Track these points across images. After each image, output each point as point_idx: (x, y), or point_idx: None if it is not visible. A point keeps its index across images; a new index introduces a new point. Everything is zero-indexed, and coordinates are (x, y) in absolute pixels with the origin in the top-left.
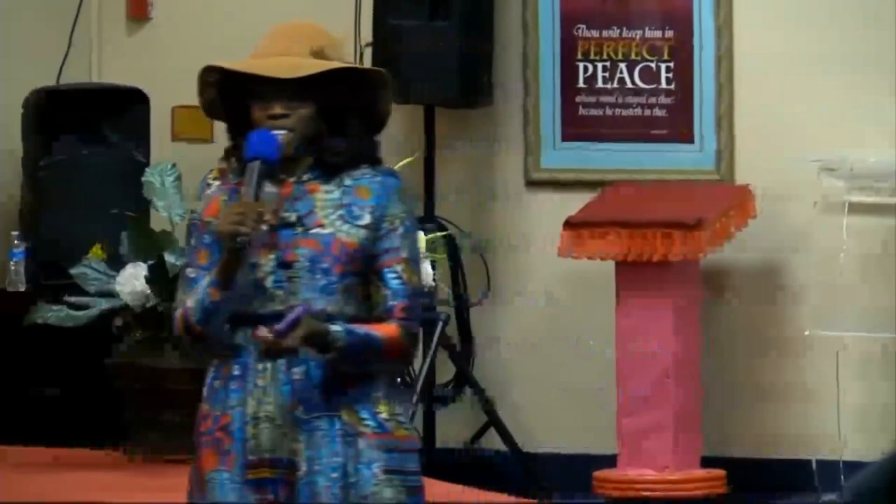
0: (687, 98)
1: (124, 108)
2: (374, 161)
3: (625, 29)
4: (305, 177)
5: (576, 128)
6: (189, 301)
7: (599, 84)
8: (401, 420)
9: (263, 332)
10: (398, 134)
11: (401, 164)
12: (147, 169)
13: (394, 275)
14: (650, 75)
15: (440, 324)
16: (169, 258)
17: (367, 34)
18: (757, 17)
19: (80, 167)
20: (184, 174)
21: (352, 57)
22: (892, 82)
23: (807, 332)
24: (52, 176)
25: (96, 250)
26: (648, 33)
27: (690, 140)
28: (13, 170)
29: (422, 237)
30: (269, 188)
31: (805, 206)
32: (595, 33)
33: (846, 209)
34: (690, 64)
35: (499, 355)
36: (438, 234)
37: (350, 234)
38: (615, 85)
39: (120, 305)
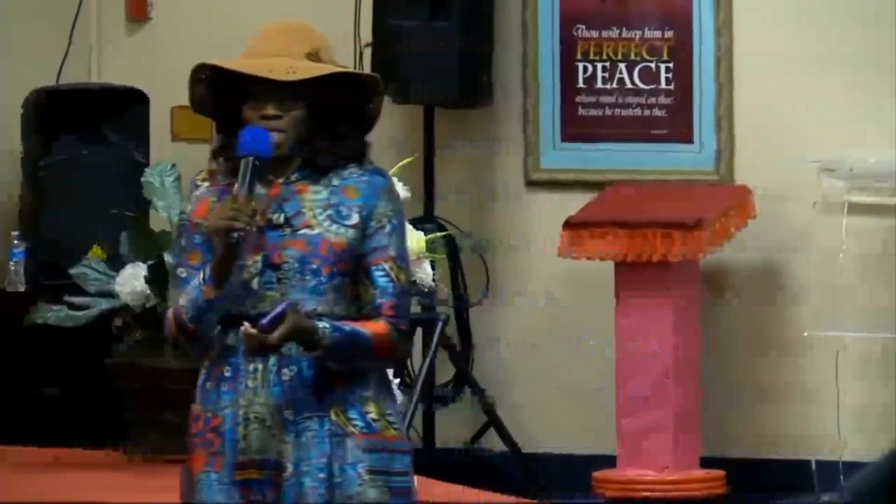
0: (686, 98)
1: (124, 108)
2: (362, 161)
3: (624, 29)
4: (293, 177)
5: (575, 128)
6: (181, 300)
7: (599, 84)
8: (391, 420)
9: (248, 328)
10: (398, 134)
11: (400, 164)
12: (147, 169)
13: (381, 273)
14: (650, 75)
15: (440, 324)
16: (169, 258)
17: (366, 34)
18: (757, 17)
19: (80, 167)
20: (183, 174)
21: (343, 58)
22: (892, 82)
23: (806, 333)
24: (52, 176)
25: (96, 250)
26: (648, 33)
27: (690, 140)
28: (13, 170)
29: (422, 237)
30: (257, 189)
31: (805, 207)
32: (595, 33)
33: (846, 209)
34: (690, 64)
35: (499, 355)
36: (438, 234)
37: (338, 235)
38: (615, 85)
39: (120, 305)
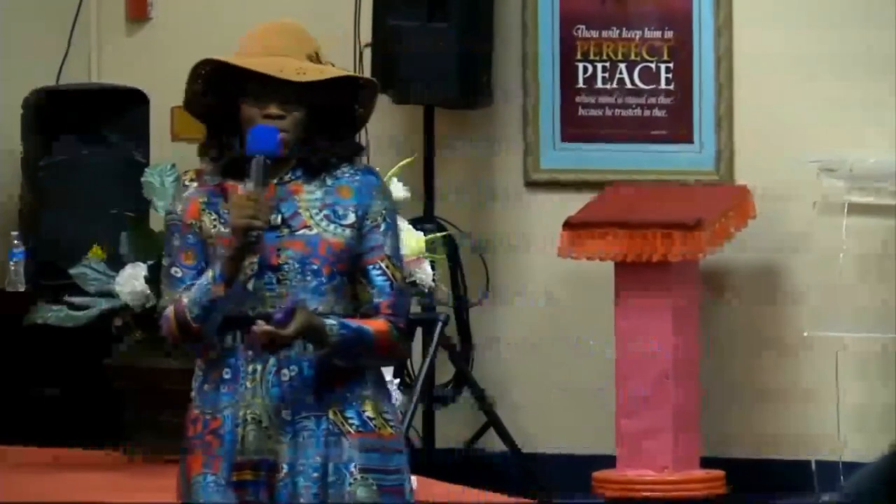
0: (686, 98)
1: (124, 108)
2: (353, 160)
3: (624, 29)
4: (287, 177)
5: (575, 128)
6: (184, 299)
7: (599, 84)
8: (387, 418)
9: (263, 326)
10: (398, 134)
11: (400, 164)
12: (147, 169)
13: (378, 272)
14: (650, 76)
15: (440, 324)
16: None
17: (366, 35)
18: (757, 17)
19: (80, 167)
20: None
21: (343, 59)
22: (892, 82)
23: (806, 333)
24: (52, 176)
25: (96, 250)
26: (648, 34)
27: (690, 140)
28: (13, 170)
29: (421, 237)
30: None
31: (805, 207)
32: (594, 34)
33: (846, 210)
34: (690, 64)
35: (499, 355)
36: (438, 234)
37: (336, 234)
38: (615, 85)
39: (119, 306)
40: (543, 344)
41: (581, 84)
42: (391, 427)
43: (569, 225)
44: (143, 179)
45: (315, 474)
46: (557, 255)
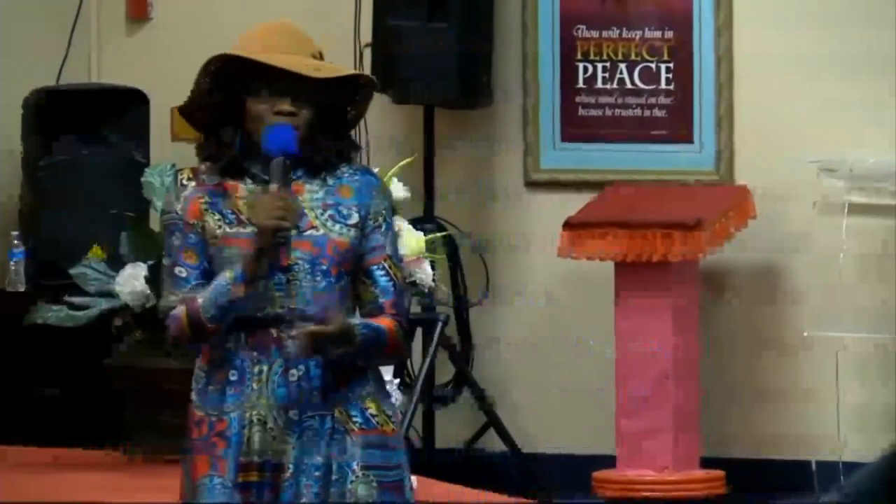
0: (686, 98)
1: (124, 108)
2: (351, 159)
3: (624, 29)
4: (290, 177)
5: (575, 128)
6: (199, 299)
7: (599, 84)
8: (389, 415)
9: (308, 326)
10: (398, 134)
11: (401, 164)
12: (147, 169)
13: (382, 272)
14: (650, 76)
15: (440, 324)
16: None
17: (366, 35)
18: (757, 17)
19: (80, 167)
20: None
21: (343, 59)
22: (892, 82)
23: (806, 333)
24: (52, 176)
25: (96, 250)
26: (648, 34)
27: (690, 140)
28: (13, 170)
29: (421, 237)
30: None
31: (805, 207)
32: (595, 34)
33: (846, 210)
34: (690, 64)
35: (499, 355)
36: (438, 234)
37: (342, 234)
38: (615, 85)
39: (119, 306)
40: (543, 344)
41: (581, 84)
42: (393, 423)
43: (569, 225)
44: (143, 179)
45: (317, 473)
46: (557, 255)
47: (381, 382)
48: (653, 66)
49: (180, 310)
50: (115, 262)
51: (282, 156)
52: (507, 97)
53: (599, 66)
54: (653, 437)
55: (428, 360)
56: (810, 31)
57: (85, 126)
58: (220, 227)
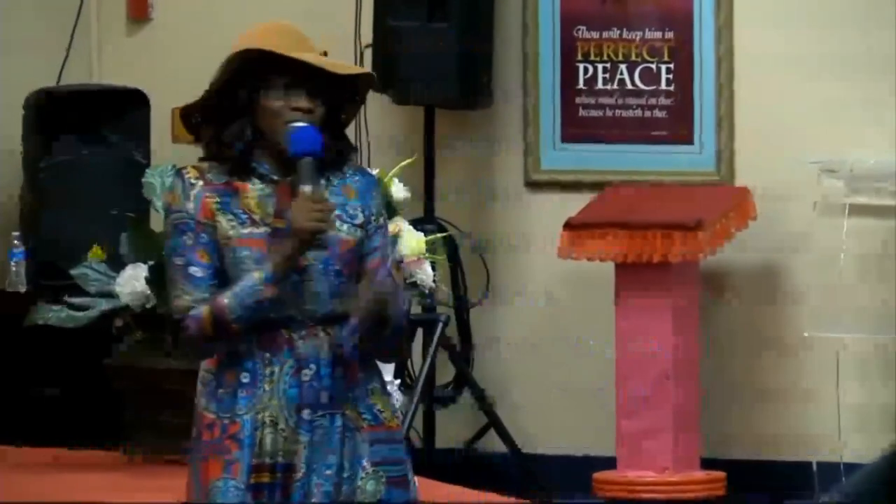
0: (687, 99)
1: (124, 108)
2: (350, 159)
3: (625, 30)
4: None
5: (576, 129)
6: (225, 300)
7: (599, 85)
8: (393, 410)
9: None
10: (398, 134)
11: (401, 164)
12: (147, 170)
13: (385, 272)
14: (650, 76)
15: (440, 324)
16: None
17: (366, 35)
18: (757, 18)
19: (80, 168)
20: None
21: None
22: (892, 83)
23: (806, 333)
24: (52, 176)
25: (96, 251)
26: (648, 34)
27: (690, 141)
28: (13, 170)
29: (422, 237)
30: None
31: (805, 208)
32: (595, 34)
33: (846, 210)
34: (690, 65)
35: (499, 356)
36: (438, 234)
37: (350, 235)
38: (615, 86)
39: (120, 306)
40: (543, 344)
41: (581, 85)
42: (396, 419)
43: (569, 225)
44: (143, 180)
45: (328, 472)
46: (557, 256)
47: (382, 379)
48: (653, 66)
49: (203, 309)
50: (116, 263)
51: (308, 156)
52: (508, 97)
53: (600, 66)
54: (653, 438)
55: (428, 360)
56: (810, 31)
57: (85, 126)
58: (232, 227)
